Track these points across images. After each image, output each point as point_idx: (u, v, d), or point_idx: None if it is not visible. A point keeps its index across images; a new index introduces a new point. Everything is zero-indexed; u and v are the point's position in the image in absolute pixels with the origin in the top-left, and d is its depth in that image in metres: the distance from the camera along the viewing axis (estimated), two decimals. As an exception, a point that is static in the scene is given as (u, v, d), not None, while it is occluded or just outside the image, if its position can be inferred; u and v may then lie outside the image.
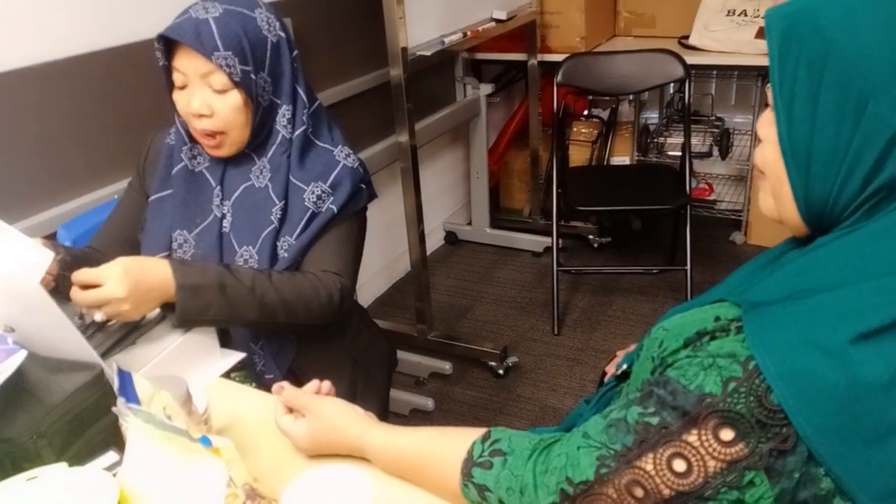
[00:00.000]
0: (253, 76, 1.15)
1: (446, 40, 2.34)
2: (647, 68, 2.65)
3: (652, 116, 3.42)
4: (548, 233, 3.14)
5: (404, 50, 2.08)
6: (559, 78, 2.67)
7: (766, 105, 0.75)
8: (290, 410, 0.95)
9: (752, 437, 0.63)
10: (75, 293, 1.03)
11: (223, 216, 1.24)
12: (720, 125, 3.19)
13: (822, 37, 0.65)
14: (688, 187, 2.60)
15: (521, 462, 0.78)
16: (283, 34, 1.20)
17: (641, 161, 3.28)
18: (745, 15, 2.80)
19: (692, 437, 0.65)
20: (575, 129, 3.28)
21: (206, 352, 1.15)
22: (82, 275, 1.03)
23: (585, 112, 3.37)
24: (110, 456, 0.80)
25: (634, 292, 2.82)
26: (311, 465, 0.87)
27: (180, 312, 1.08)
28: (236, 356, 1.18)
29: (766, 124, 0.74)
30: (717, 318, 0.74)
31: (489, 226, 3.27)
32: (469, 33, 2.45)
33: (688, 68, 2.59)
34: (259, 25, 1.15)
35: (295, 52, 1.22)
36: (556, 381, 2.37)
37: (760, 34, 2.72)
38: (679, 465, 0.66)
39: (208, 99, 1.14)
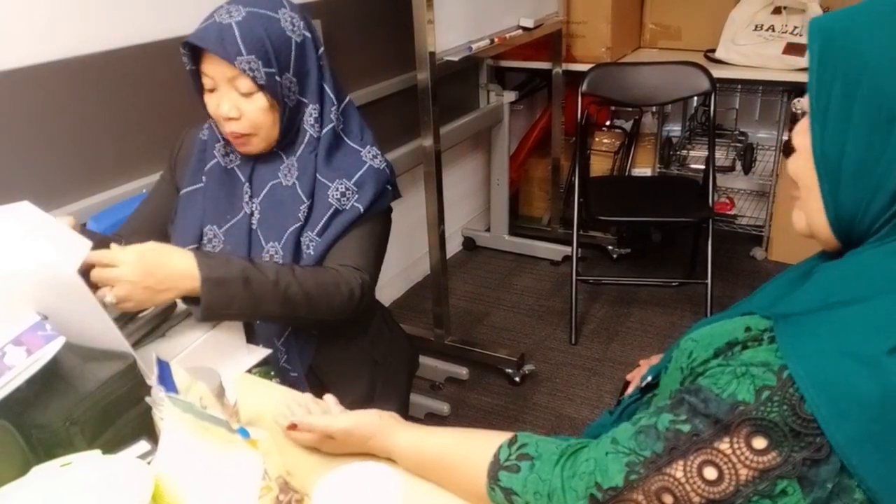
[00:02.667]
0: (278, 78, 1.15)
1: (473, 46, 2.34)
2: (673, 80, 2.64)
3: (674, 129, 3.41)
4: (567, 242, 3.13)
5: (432, 55, 2.09)
6: (585, 87, 2.67)
7: (804, 114, 0.75)
8: None
9: (786, 445, 0.62)
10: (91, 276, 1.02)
11: (252, 213, 1.25)
12: (743, 140, 3.17)
13: (860, 54, 0.65)
14: (711, 201, 2.59)
15: (549, 466, 0.78)
16: (307, 34, 1.20)
17: (663, 173, 3.27)
18: (773, 30, 2.79)
19: (724, 445, 0.65)
20: (597, 140, 3.27)
21: (232, 347, 1.16)
22: (97, 255, 1.02)
23: (608, 123, 3.36)
24: (142, 445, 0.80)
25: (653, 304, 2.81)
26: (338, 462, 0.87)
27: (205, 306, 1.07)
28: (262, 352, 1.18)
29: (801, 133, 0.74)
30: (748, 329, 0.74)
31: (508, 233, 3.27)
32: (496, 40, 2.46)
33: (714, 81, 2.58)
34: (283, 26, 1.16)
35: (321, 50, 1.22)
36: (572, 390, 2.36)
37: (788, 50, 2.71)
38: (710, 473, 0.66)
39: (236, 102, 1.15)
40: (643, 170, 3.28)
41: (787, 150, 0.78)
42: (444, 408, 2.24)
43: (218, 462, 0.65)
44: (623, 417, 1.10)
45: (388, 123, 2.54)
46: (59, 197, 1.56)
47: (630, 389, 1.29)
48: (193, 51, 1.15)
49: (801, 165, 0.73)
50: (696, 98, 3.18)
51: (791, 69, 2.71)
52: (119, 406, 0.85)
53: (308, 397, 0.99)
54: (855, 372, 0.61)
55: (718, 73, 2.66)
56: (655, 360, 1.14)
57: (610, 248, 3.17)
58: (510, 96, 3.07)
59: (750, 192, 3.32)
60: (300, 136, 1.23)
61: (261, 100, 1.16)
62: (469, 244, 3.35)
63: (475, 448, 0.86)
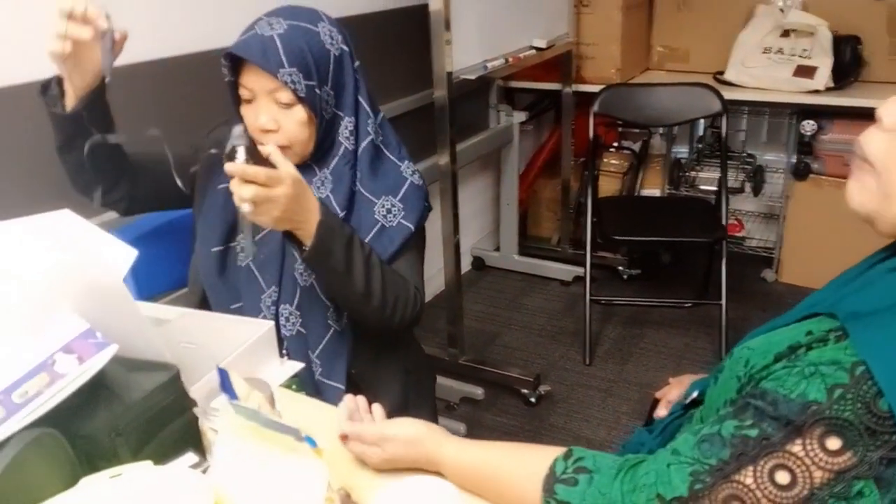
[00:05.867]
0: (317, 91, 1.15)
1: (489, 65, 2.35)
2: (684, 101, 2.66)
3: (681, 151, 3.42)
4: (577, 262, 3.13)
5: (449, 74, 2.10)
6: (597, 107, 2.68)
7: None
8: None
9: (861, 445, 0.61)
10: (236, 184, 0.99)
11: None
12: (752, 162, 3.18)
13: None
14: (724, 221, 2.59)
15: (608, 480, 0.76)
16: (345, 47, 1.21)
17: (672, 194, 3.27)
18: (782, 53, 2.81)
19: (796, 448, 0.64)
20: (605, 161, 3.28)
21: (266, 359, 1.13)
22: (254, 172, 0.98)
23: (615, 144, 3.37)
24: (189, 457, 0.78)
25: (666, 325, 2.79)
26: (391, 477, 0.84)
27: (314, 246, 1.07)
28: (295, 365, 1.16)
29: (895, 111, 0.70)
30: (809, 333, 0.73)
31: (517, 253, 3.26)
32: (510, 60, 2.47)
33: (725, 103, 2.59)
34: (322, 40, 1.16)
35: (356, 64, 1.23)
36: (588, 411, 2.33)
37: (798, 72, 2.73)
38: (782, 478, 0.64)
39: (274, 114, 1.15)
40: (652, 191, 3.29)
41: (875, 120, 0.74)
42: (460, 428, 2.21)
43: (281, 472, 0.63)
44: (666, 434, 1.09)
45: (403, 141, 2.53)
46: (80, 211, 1.54)
47: (661, 407, 1.27)
48: (233, 62, 1.14)
49: (892, 146, 0.70)
50: (703, 121, 3.20)
51: (801, 91, 2.73)
52: (164, 417, 0.82)
53: (361, 400, 0.97)
54: None
55: (730, 94, 2.68)
56: (700, 375, 1.12)
57: (620, 268, 3.16)
58: (520, 117, 3.08)
59: (758, 215, 3.32)
60: (334, 149, 1.22)
61: (300, 112, 1.15)
62: (478, 264, 3.33)
63: (527, 461, 0.85)
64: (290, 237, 1.09)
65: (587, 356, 2.58)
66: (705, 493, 0.68)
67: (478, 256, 3.34)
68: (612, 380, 2.48)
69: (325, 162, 1.23)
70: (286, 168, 1.02)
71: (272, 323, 1.13)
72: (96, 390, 0.78)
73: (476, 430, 2.25)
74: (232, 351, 1.08)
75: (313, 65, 1.14)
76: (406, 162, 1.27)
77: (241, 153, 0.99)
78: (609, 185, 3.24)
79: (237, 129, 1.02)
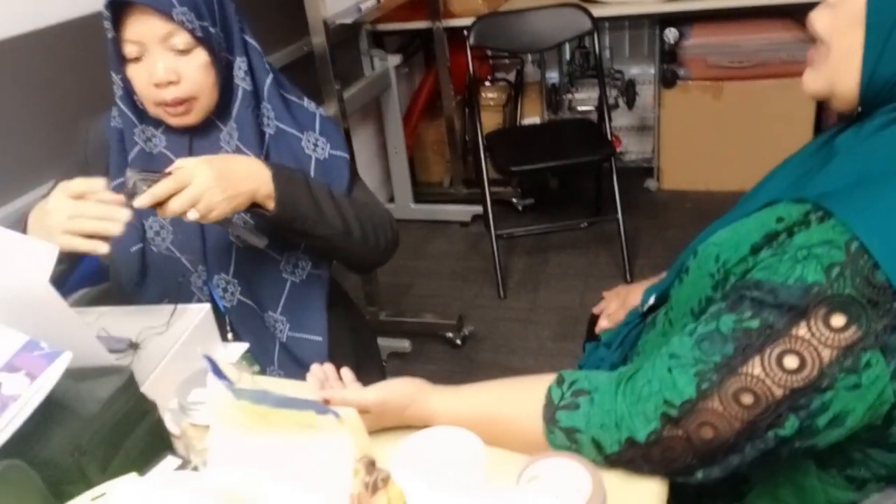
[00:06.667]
0: (212, 30, 1.07)
1: (362, 7, 2.25)
2: (555, 23, 2.67)
3: (552, 75, 3.46)
4: (472, 201, 3.13)
5: (325, 21, 1.99)
6: (472, 40, 2.64)
7: None
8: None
9: (864, 317, 0.62)
10: (162, 211, 0.95)
11: None
12: (621, 77, 3.27)
13: None
14: (609, 137, 2.66)
15: (610, 397, 0.75)
16: None
17: (553, 119, 3.32)
18: (639, -35, 2.87)
19: (802, 331, 0.64)
20: (483, 95, 3.26)
21: (210, 345, 1.04)
22: (162, 187, 0.93)
23: (489, 77, 3.36)
24: (171, 460, 0.70)
25: (567, 248, 2.86)
26: (402, 432, 0.80)
27: (279, 199, 1.02)
28: (240, 346, 1.08)
29: None
30: (780, 219, 0.74)
31: (413, 201, 3.21)
32: (381, 0, 2.38)
33: (595, 20, 2.63)
34: None
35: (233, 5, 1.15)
36: (513, 343, 2.36)
37: (658, -18, 2.80)
38: (791, 362, 0.65)
39: (172, 64, 1.05)
40: (533, 118, 3.32)
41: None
42: (393, 382, 2.18)
43: (300, 451, 0.57)
44: (625, 346, 1.10)
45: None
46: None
47: (603, 320, 1.29)
48: (115, 14, 1.02)
49: (838, 23, 0.72)
50: (568, 43, 3.23)
51: (662, 0, 2.81)
52: (126, 425, 0.73)
53: (328, 367, 0.92)
54: None
55: (596, 11, 2.71)
56: (655, 280, 1.14)
57: (514, 200, 3.19)
58: (395, 60, 2.99)
59: (633, 128, 3.44)
60: (233, 95, 1.14)
61: (200, 56, 1.06)
62: (374, 218, 3.26)
63: (521, 396, 0.83)
64: (256, 210, 1.04)
65: (501, 290, 2.60)
66: (714, 391, 0.68)
67: (372, 210, 3.26)
68: (528, 309, 2.52)
69: (227, 111, 1.15)
70: (182, 161, 0.97)
71: (208, 306, 1.05)
72: (47, 408, 0.68)
73: (409, 381, 2.23)
74: (170, 345, 0.99)
75: (202, 3, 1.06)
76: (305, 98, 1.23)
77: (138, 184, 0.94)
78: (491, 119, 3.24)
79: (127, 173, 0.96)
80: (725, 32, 2.88)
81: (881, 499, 0.76)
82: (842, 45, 0.71)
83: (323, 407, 0.56)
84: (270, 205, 1.02)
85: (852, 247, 0.64)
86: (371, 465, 0.60)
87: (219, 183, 0.96)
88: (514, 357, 2.29)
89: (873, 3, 0.68)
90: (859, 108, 0.74)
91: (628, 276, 2.59)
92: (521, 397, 0.82)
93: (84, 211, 0.90)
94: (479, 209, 3.06)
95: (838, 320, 0.63)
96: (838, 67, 0.72)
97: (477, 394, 0.86)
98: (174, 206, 0.94)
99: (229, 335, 1.16)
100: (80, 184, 0.92)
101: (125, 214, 0.91)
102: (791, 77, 2.76)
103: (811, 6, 0.77)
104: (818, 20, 0.74)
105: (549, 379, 0.82)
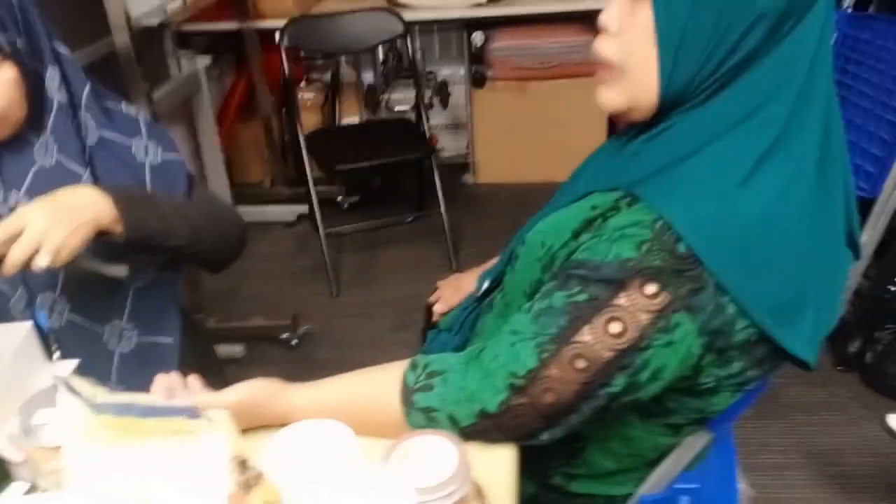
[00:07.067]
0: (18, 42, 1.00)
1: (168, 8, 2.16)
2: (368, 26, 2.73)
3: (367, 76, 3.51)
4: (295, 201, 3.11)
5: (128, 18, 1.89)
6: (286, 42, 2.63)
7: None
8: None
9: (671, 284, 0.72)
10: (7, 264, 0.88)
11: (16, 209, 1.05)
12: (433, 77, 3.40)
13: None
14: (427, 136, 2.76)
15: (461, 375, 0.81)
16: None
17: (371, 119, 3.37)
18: (447, -29, 3.00)
19: (622, 300, 0.73)
20: (301, 96, 3.25)
21: (36, 365, 0.98)
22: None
23: (305, 77, 3.35)
24: (19, 485, 0.66)
25: (395, 243, 2.94)
26: (272, 430, 0.81)
27: (127, 221, 0.98)
28: (70, 363, 1.02)
29: (617, 17, 0.79)
30: (594, 207, 0.84)
31: (233, 203, 3.12)
32: (188, 1, 2.29)
33: (406, 24, 2.72)
34: None
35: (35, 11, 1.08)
36: (352, 338, 2.40)
37: (464, -13, 2.95)
38: (615, 328, 0.73)
39: None
40: (351, 118, 3.36)
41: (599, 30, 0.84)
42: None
43: (176, 455, 0.57)
44: (465, 329, 1.17)
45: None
46: None
47: (439, 306, 1.36)
48: None
49: (629, 45, 0.79)
50: (381, 45, 3.31)
51: (468, 6, 2.96)
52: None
53: (174, 376, 0.90)
54: (717, 207, 0.73)
55: (407, 16, 2.80)
56: (487, 265, 1.22)
57: (339, 199, 3.21)
58: (204, 61, 2.90)
59: (447, 126, 3.58)
60: (47, 107, 1.07)
61: (8, 72, 0.98)
62: (193, 224, 3.13)
63: (378, 383, 0.87)
64: (105, 238, 0.98)
65: (334, 288, 2.62)
66: (553, 359, 0.75)
67: (191, 216, 3.13)
68: (363, 304, 2.57)
69: (39, 125, 1.07)
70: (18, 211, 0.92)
71: (30, 322, 0.98)
72: None
73: (246, 387, 2.18)
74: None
75: (6, 15, 0.98)
76: (124, 103, 1.18)
77: None
78: (310, 119, 3.23)
79: None
80: (527, 36, 3.09)
81: (694, 440, 0.90)
82: (638, 64, 0.79)
83: (193, 411, 0.57)
84: (118, 228, 0.98)
85: (657, 225, 0.74)
86: (243, 465, 0.62)
87: (57, 218, 0.90)
88: (353, 351, 2.33)
89: (660, 19, 0.75)
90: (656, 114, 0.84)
91: (454, 265, 2.71)
92: (378, 385, 0.87)
93: None
94: (303, 208, 3.04)
95: (651, 288, 0.73)
96: (638, 85, 0.80)
97: (334, 386, 0.89)
98: (16, 255, 0.88)
99: (55, 354, 1.09)
100: None
101: None
102: (587, 77, 3.02)
103: (599, 12, 0.82)
104: (606, 49, 0.81)
105: (402, 365, 0.86)
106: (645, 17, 0.77)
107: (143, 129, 1.15)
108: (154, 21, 2.05)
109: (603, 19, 0.81)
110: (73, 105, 1.08)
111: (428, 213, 2.91)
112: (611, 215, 0.81)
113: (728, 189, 0.74)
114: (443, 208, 2.72)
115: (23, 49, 1.00)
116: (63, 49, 1.08)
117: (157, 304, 1.15)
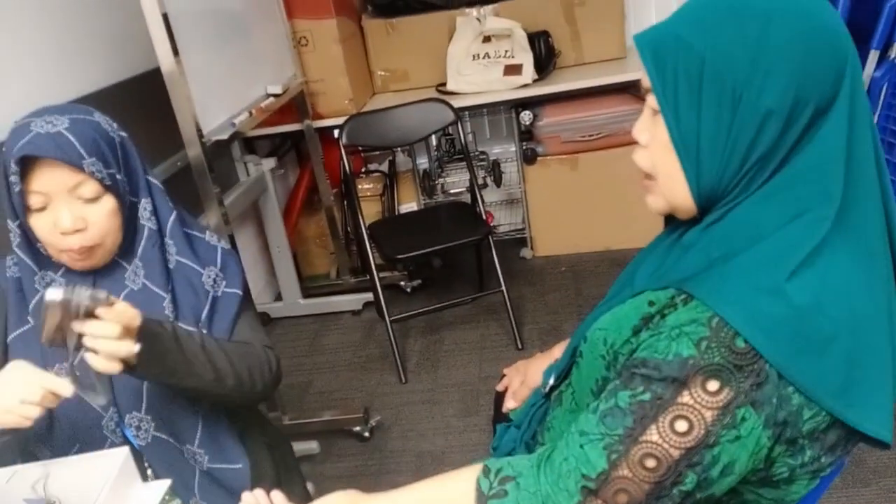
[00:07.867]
0: (118, 177, 1.11)
1: (236, 122, 2.31)
2: (421, 117, 2.85)
3: (422, 162, 3.63)
4: (360, 290, 3.19)
5: (199, 131, 2.03)
6: (344, 139, 2.76)
7: (652, 110, 0.85)
8: None
9: (734, 380, 0.73)
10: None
11: None
12: (486, 158, 3.49)
13: (693, 50, 0.79)
14: (483, 216, 2.82)
15: (532, 479, 0.83)
16: (123, 133, 1.17)
17: (428, 204, 3.46)
18: (489, 57, 3.12)
19: (685, 398, 0.75)
20: (360, 187, 3.37)
21: (131, 489, 1.03)
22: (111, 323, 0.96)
23: (364, 169, 3.49)
24: None
25: (458, 324, 2.96)
26: None
27: (143, 354, 1.00)
28: (164, 482, 1.07)
29: (645, 130, 0.86)
30: (651, 303, 0.86)
31: (301, 297, 3.23)
32: (254, 112, 2.44)
33: (456, 111, 2.83)
34: (105, 128, 1.13)
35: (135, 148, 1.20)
36: (420, 426, 2.40)
37: (507, 71, 3.05)
38: (681, 426, 0.74)
39: (79, 212, 1.08)
40: (410, 204, 3.45)
41: (638, 143, 0.90)
42: (310, 489, 2.14)
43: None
44: (532, 424, 1.18)
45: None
46: None
47: (509, 399, 1.37)
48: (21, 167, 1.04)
49: (656, 157, 0.85)
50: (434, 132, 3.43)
51: (513, 88, 3.06)
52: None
53: (259, 493, 0.94)
54: (769, 302, 0.74)
55: (456, 103, 2.91)
56: (550, 360, 1.23)
57: (402, 283, 3.28)
58: (270, 163, 3.05)
59: (502, 202, 3.65)
60: (138, 235, 1.18)
61: (108, 203, 1.10)
62: (264, 319, 3.24)
63: (453, 493, 0.88)
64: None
65: (402, 375, 2.65)
66: (623, 460, 0.76)
67: (263, 312, 3.24)
68: (430, 389, 2.58)
69: (131, 251, 1.17)
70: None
71: (126, 449, 1.04)
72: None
73: (323, 483, 2.20)
74: (94, 497, 0.97)
75: (108, 152, 1.10)
76: (207, 231, 1.27)
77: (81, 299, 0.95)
78: (370, 209, 3.34)
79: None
80: (573, 110, 3.16)
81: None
82: (666, 172, 0.85)
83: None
84: (132, 360, 1.01)
85: (713, 322, 0.76)
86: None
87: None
88: (423, 441, 2.33)
89: (673, 131, 0.81)
90: (699, 210, 0.87)
91: (519, 343, 2.71)
92: (454, 493, 0.88)
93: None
94: (368, 296, 3.12)
95: (713, 385, 0.74)
96: (670, 191, 0.86)
97: (411, 495, 0.91)
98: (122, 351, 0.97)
99: (148, 472, 1.15)
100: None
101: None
102: (634, 144, 3.06)
103: (639, 81, 0.88)
104: (640, 160, 0.88)
105: (475, 470, 0.88)
106: (663, 130, 0.82)
107: (219, 259, 1.24)
108: (224, 135, 2.19)
109: (633, 133, 0.88)
110: (160, 233, 1.18)
111: (489, 292, 2.94)
112: (668, 312, 0.83)
113: (775, 284, 0.75)
114: (503, 286, 2.74)
115: (121, 182, 1.11)
116: (155, 180, 1.20)
117: (220, 430, 1.21)
